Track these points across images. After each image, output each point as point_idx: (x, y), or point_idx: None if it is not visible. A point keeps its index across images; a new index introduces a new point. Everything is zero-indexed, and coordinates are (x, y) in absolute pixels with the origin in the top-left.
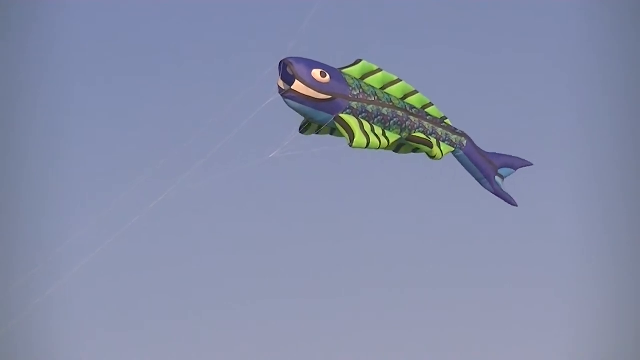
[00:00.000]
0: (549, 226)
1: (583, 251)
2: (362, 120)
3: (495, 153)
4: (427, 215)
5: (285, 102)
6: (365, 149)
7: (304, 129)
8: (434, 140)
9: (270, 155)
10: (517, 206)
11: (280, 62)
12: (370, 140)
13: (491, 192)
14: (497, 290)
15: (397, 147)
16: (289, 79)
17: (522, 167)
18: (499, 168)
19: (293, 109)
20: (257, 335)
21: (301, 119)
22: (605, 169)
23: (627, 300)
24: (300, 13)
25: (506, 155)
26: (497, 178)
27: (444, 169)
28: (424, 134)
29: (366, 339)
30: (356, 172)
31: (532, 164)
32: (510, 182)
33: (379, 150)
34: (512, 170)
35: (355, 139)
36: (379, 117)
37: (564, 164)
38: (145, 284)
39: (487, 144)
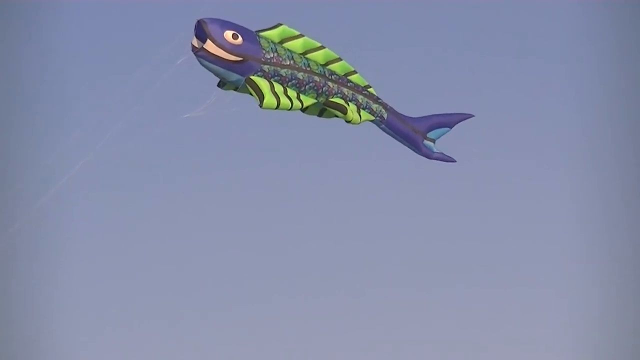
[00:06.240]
0: (548, 226)
1: (583, 251)
2: (273, 82)
3: (422, 117)
4: (425, 214)
5: (198, 60)
6: (279, 110)
7: (222, 83)
8: (352, 107)
9: (185, 116)
10: (455, 162)
11: (197, 21)
12: (281, 102)
13: (423, 157)
14: (497, 291)
15: (320, 112)
16: (203, 38)
17: (460, 121)
18: (428, 132)
19: (206, 68)
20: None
21: None
22: (605, 169)
23: (627, 300)
24: None
25: (438, 115)
26: (426, 142)
27: (445, 168)
28: (343, 100)
29: (358, 338)
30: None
31: (472, 116)
32: (510, 181)
33: (295, 111)
34: (447, 128)
35: (265, 100)
36: (293, 81)
37: (564, 164)
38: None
39: (486, 143)
